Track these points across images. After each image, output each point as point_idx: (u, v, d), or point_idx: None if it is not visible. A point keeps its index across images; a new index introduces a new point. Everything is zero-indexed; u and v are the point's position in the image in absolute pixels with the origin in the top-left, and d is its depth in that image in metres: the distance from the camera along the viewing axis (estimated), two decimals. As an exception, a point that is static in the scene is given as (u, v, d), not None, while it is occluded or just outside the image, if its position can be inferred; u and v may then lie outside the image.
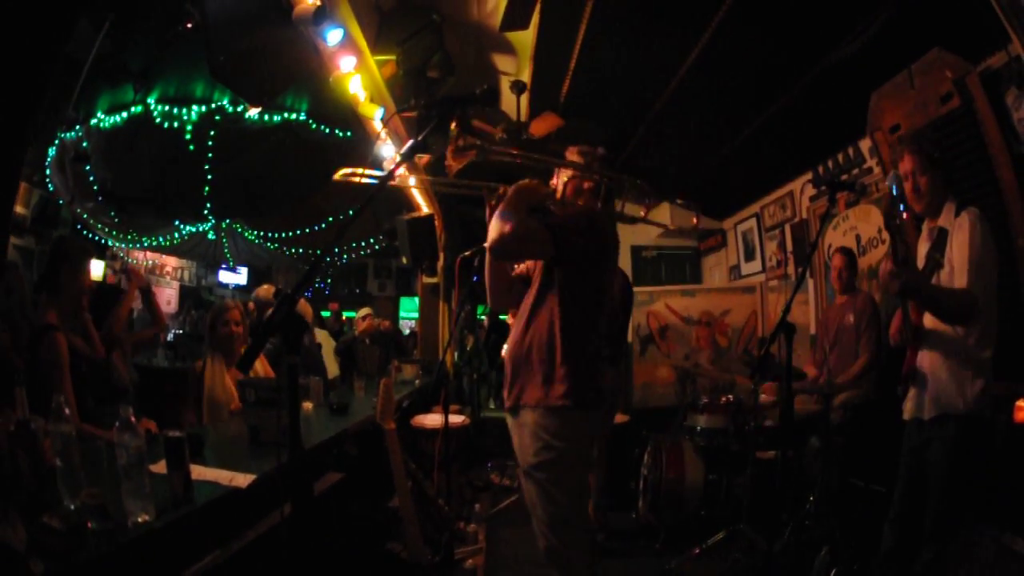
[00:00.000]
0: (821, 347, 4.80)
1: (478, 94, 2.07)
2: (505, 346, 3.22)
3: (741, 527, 4.02)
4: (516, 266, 2.98)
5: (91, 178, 8.58)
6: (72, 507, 1.77)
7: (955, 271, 2.69)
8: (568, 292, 2.62)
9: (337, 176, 2.65)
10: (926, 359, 2.84)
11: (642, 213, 2.96)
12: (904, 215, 2.84)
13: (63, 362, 3.17)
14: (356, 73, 4.33)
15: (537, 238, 2.52)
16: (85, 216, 9.72)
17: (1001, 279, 2.73)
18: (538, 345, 2.62)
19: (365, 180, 2.71)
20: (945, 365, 2.75)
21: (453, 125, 2.45)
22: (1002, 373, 2.79)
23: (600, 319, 2.71)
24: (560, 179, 2.85)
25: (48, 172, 9.23)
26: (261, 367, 4.18)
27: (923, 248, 2.91)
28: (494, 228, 2.51)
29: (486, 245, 2.62)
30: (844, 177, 5.42)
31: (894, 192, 2.82)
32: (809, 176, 6.11)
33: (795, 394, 4.22)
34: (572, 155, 2.87)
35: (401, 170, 3.38)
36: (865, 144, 5.12)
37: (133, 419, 1.87)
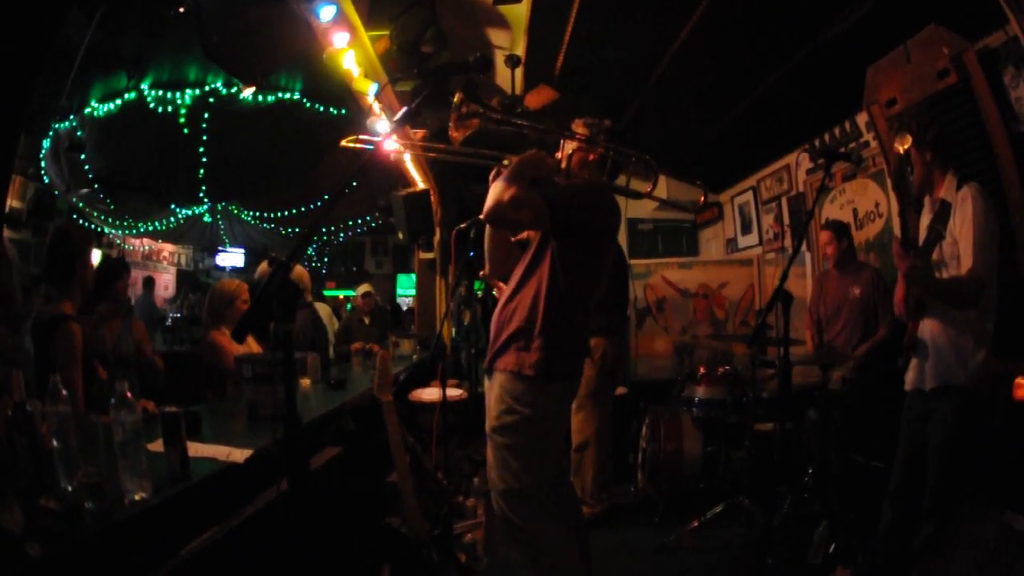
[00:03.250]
0: (816, 317, 4.78)
1: (471, 62, 2.06)
2: None
3: (740, 500, 4.02)
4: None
5: (86, 167, 8.60)
6: (69, 488, 1.77)
7: (960, 249, 2.69)
8: (560, 265, 2.59)
9: (345, 143, 2.68)
10: (928, 329, 2.83)
11: (648, 188, 2.83)
12: (914, 173, 2.82)
13: (77, 352, 3.16)
14: (349, 49, 4.31)
15: (534, 209, 2.50)
16: (81, 205, 9.72)
17: (999, 256, 2.72)
18: (520, 312, 2.62)
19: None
20: (947, 335, 2.75)
21: (458, 97, 2.49)
22: (1001, 350, 2.80)
23: (589, 295, 2.71)
24: (565, 151, 2.82)
25: (43, 164, 9.25)
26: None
27: (925, 220, 2.90)
28: (492, 195, 2.51)
29: (482, 213, 2.60)
30: (841, 151, 5.38)
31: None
32: (806, 148, 6.07)
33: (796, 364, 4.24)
34: (578, 127, 2.84)
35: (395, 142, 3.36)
36: (862, 118, 5.08)
37: (129, 395, 1.86)
